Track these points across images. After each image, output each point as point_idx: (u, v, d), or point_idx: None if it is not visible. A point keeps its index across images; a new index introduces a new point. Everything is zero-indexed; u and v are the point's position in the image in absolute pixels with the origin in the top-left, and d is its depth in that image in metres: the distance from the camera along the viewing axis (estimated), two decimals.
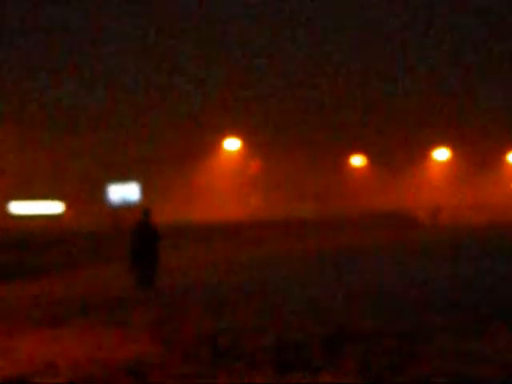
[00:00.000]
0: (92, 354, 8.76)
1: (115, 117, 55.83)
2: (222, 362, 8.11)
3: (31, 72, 54.75)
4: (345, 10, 59.61)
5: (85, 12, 55.36)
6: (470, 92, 59.62)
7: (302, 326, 10.18)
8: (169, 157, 55.43)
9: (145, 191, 52.13)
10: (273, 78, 58.97)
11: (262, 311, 11.77)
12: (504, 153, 60.88)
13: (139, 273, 15.73)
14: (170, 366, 8.01)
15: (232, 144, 56.62)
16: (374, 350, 8.33)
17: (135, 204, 49.17)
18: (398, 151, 58.77)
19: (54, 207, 53.18)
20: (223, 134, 55.93)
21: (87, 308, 13.15)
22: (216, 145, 56.64)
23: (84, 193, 53.01)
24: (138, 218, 16.05)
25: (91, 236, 31.82)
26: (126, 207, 49.01)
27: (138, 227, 15.79)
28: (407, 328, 9.65)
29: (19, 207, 53.34)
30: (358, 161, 60.08)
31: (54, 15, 54.30)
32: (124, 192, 52.43)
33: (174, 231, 34.15)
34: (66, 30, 54.34)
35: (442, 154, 60.99)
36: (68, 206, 52.92)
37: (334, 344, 8.78)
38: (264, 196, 56.34)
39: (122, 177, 52.98)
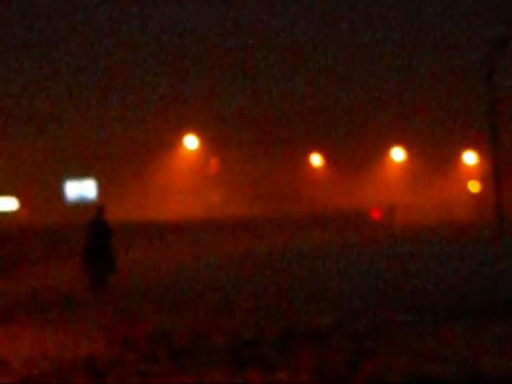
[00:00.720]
0: (46, 352, 8.65)
1: (72, 113, 55.22)
2: (178, 360, 8.08)
3: None
4: (304, 11, 59.92)
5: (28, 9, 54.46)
6: (425, 92, 60.41)
7: (257, 324, 10.20)
8: (127, 154, 55.03)
9: (102, 188, 51.62)
10: (232, 76, 58.96)
11: (218, 310, 11.77)
12: (459, 153, 61.80)
13: (92, 271, 15.60)
14: (126, 364, 7.95)
15: (191, 142, 56.42)
16: (330, 348, 8.38)
17: (92, 201, 48.65)
18: (355, 151, 59.26)
19: (8, 204, 52.31)
20: (182, 131, 55.72)
21: (41, 306, 12.99)
22: (175, 143, 56.40)
23: (40, 189, 52.29)
24: (91, 216, 15.97)
25: (46, 233, 31.42)
26: (83, 204, 48.50)
27: (91, 224, 15.70)
28: (363, 327, 9.73)
29: None
30: (316, 160, 60.37)
31: None
32: (81, 189, 51.82)
33: (131, 229, 33.92)
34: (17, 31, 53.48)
35: (397, 154, 61.65)
36: (23, 203, 52.10)
37: (290, 342, 8.81)
38: (223, 194, 56.27)
39: (79, 174, 52.38)
